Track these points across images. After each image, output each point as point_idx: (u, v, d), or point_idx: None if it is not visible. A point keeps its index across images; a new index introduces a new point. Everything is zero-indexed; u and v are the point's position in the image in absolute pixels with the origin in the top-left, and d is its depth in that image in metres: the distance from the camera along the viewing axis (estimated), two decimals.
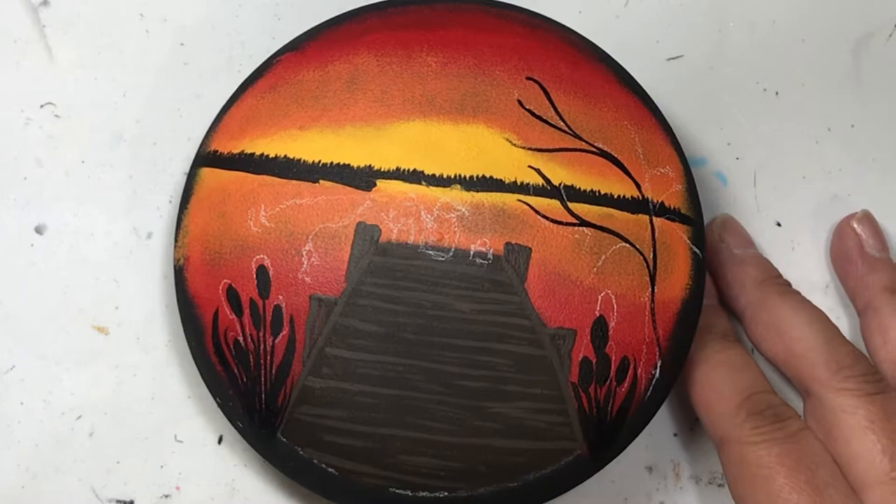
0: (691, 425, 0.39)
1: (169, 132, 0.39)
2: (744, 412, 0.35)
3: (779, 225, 0.41)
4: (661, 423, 0.39)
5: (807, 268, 0.41)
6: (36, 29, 0.39)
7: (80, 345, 0.37)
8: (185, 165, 0.38)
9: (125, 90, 0.39)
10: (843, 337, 0.37)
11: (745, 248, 0.40)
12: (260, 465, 0.38)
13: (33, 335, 0.37)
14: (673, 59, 0.41)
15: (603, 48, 0.38)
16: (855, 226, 0.40)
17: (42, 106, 0.38)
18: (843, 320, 0.40)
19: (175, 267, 0.36)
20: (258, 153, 0.36)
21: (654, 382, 0.35)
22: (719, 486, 0.39)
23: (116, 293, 0.38)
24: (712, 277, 0.40)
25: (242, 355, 0.35)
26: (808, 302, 0.38)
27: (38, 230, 0.38)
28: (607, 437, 0.35)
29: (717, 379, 0.37)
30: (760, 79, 0.41)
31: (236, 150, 0.36)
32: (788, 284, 0.39)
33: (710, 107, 0.41)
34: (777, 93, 0.41)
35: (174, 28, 0.39)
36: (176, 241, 0.36)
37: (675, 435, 0.39)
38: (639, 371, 0.35)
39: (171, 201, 0.38)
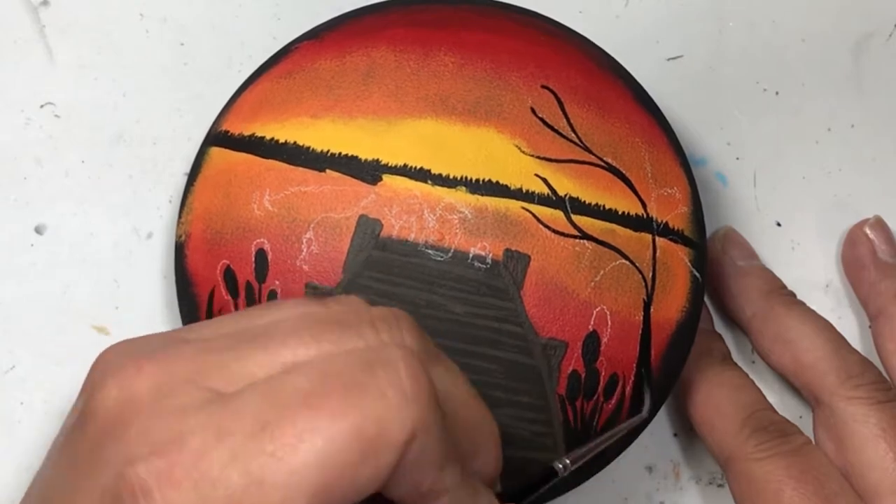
0: (691, 426, 0.39)
1: (169, 132, 0.39)
2: (748, 429, 0.35)
3: (779, 225, 0.41)
4: (662, 424, 0.39)
5: (807, 268, 0.40)
6: (36, 29, 0.39)
7: (80, 345, 0.37)
8: (186, 165, 0.38)
9: (125, 90, 0.39)
10: (851, 346, 0.37)
11: (748, 259, 0.39)
12: None
13: (33, 335, 0.37)
14: (673, 59, 0.41)
15: (603, 48, 0.38)
16: (867, 231, 0.39)
17: (42, 106, 0.38)
18: (844, 320, 0.40)
19: (176, 243, 0.36)
20: (268, 137, 0.36)
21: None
22: (719, 486, 0.39)
23: (116, 293, 0.38)
24: (715, 290, 0.40)
25: None
26: (814, 312, 0.38)
27: (38, 230, 0.38)
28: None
29: (720, 399, 0.37)
30: (760, 79, 0.41)
31: (247, 133, 0.36)
32: (793, 295, 0.39)
33: (710, 107, 0.41)
34: (777, 93, 0.41)
35: (174, 28, 0.39)
36: (180, 217, 0.36)
37: (675, 435, 0.39)
38: (627, 389, 0.35)
39: (171, 201, 0.38)
